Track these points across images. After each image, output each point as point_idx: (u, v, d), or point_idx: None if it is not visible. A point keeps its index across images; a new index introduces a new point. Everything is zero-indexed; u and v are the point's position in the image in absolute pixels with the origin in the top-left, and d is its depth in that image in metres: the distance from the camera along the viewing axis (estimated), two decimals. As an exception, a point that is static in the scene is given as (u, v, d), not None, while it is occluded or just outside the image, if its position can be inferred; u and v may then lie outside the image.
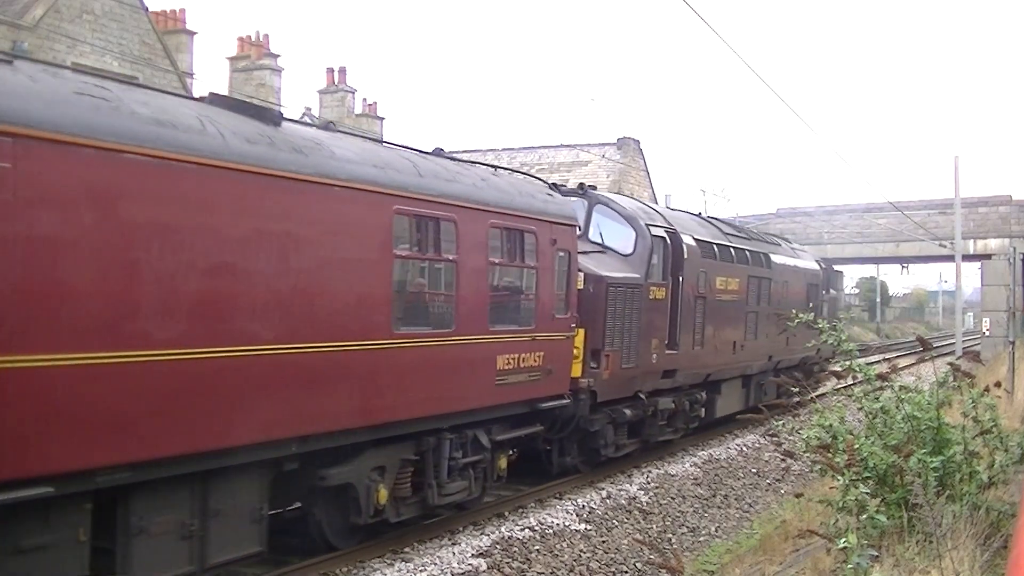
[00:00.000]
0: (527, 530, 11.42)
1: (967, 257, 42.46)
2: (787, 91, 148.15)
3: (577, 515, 12.39)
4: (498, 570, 10.12)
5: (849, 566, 5.94)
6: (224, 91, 33.94)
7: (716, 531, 13.77)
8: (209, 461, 7.73)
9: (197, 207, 7.37)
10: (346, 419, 8.98)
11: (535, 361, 11.89)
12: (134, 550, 7.26)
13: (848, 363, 9.17)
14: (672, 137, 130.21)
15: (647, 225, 15.03)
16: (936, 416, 8.32)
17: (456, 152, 14.69)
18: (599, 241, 14.75)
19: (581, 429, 13.65)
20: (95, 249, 6.63)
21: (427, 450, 10.44)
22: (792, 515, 12.48)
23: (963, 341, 35.30)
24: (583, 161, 48.14)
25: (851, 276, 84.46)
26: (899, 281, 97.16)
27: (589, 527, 12.10)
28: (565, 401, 12.75)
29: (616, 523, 12.60)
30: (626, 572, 11.20)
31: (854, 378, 9.41)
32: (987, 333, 38.88)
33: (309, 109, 37.33)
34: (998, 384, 10.28)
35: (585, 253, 13.75)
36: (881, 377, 9.02)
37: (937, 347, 33.04)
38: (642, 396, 15.00)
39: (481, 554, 10.36)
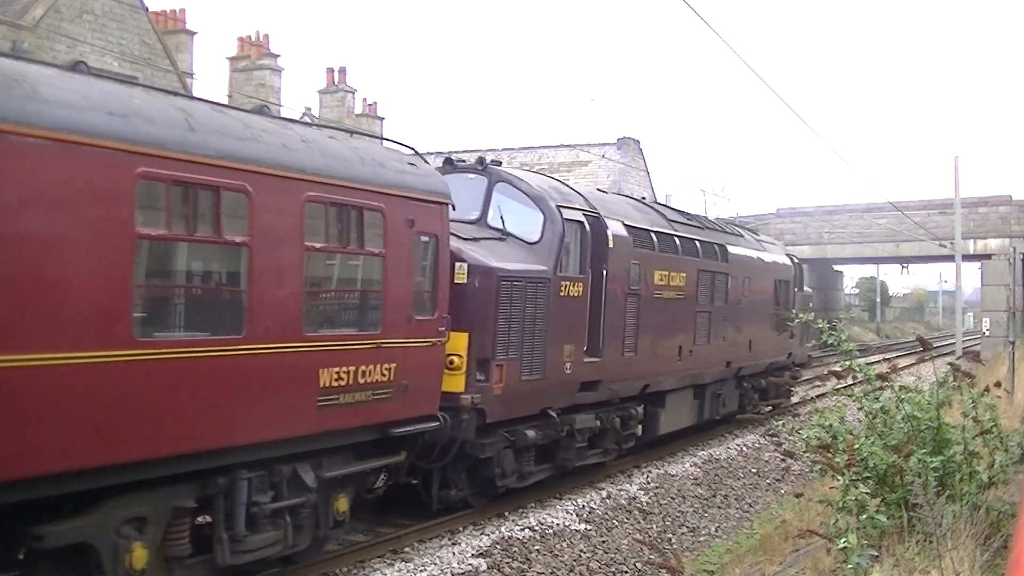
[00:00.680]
0: (527, 530, 11.43)
1: (967, 257, 42.46)
2: (787, 91, 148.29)
3: (577, 515, 12.39)
4: (498, 570, 10.13)
5: (849, 566, 5.94)
6: (225, 91, 34.06)
7: (716, 531, 13.77)
8: None
9: None
10: (73, 457, 6.68)
11: (382, 375, 9.36)
12: None
13: (848, 363, 9.17)
14: (672, 137, 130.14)
15: (559, 207, 12.52)
16: (936, 416, 8.33)
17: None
18: (499, 227, 12.28)
19: (468, 456, 11.22)
20: None
21: (215, 494, 8.03)
22: (792, 515, 12.48)
23: (963, 341, 35.28)
24: (583, 161, 48.15)
25: (851, 276, 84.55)
26: (899, 281, 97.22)
27: (589, 527, 12.11)
28: (433, 424, 10.25)
29: (616, 523, 12.61)
30: (626, 572, 11.20)
31: (854, 378, 9.41)
32: (987, 333, 38.87)
33: (309, 109, 37.33)
34: (998, 384, 10.30)
35: (475, 240, 11.60)
36: (881, 377, 9.03)
37: (937, 347, 33.11)
38: (552, 414, 12.31)
39: (481, 554, 10.36)
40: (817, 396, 12.17)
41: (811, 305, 24.55)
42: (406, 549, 10.39)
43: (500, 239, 12.13)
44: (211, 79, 39.95)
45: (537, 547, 11.02)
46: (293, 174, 8.35)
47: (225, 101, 33.16)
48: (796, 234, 54.42)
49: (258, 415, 8.10)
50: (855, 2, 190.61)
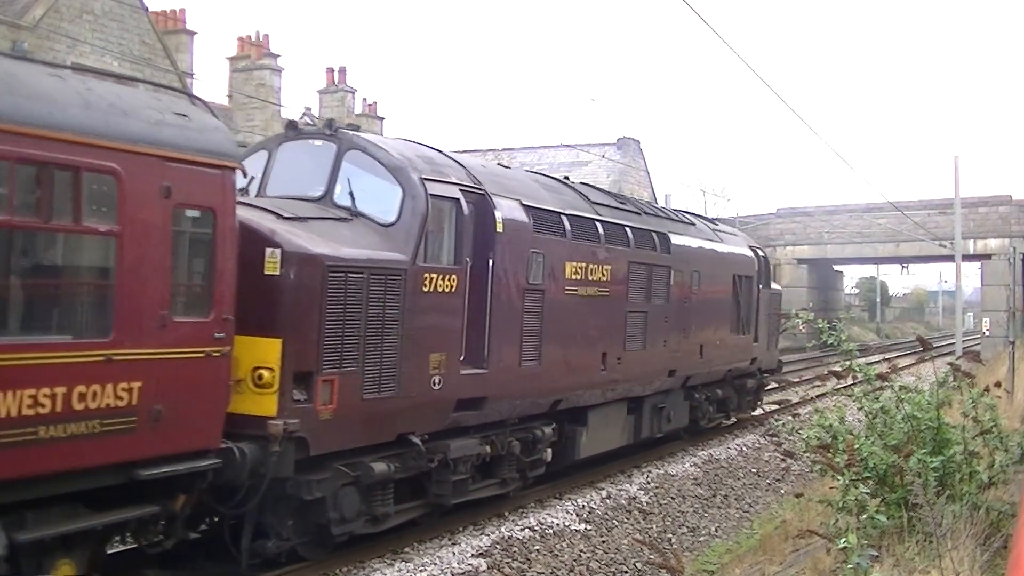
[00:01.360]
0: (527, 530, 11.43)
1: (967, 257, 42.51)
2: (787, 91, 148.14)
3: (577, 515, 12.39)
4: (498, 570, 10.13)
5: (849, 566, 5.94)
6: (225, 91, 34.08)
7: (716, 531, 13.77)
8: None
9: None
10: None
11: (118, 398, 7.00)
12: None
13: (848, 363, 9.18)
14: (672, 137, 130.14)
15: (424, 180, 10.02)
16: (936, 416, 8.34)
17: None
18: (348, 205, 9.87)
19: (290, 498, 8.77)
20: None
21: None
22: (792, 515, 12.48)
23: (963, 341, 35.29)
24: (583, 161, 48.22)
25: (851, 276, 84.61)
26: (899, 281, 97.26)
27: (589, 527, 12.11)
28: (209, 463, 7.77)
29: (616, 523, 12.61)
30: (626, 572, 11.20)
31: (854, 378, 9.42)
32: (987, 333, 38.91)
33: (309, 109, 37.33)
34: (998, 384, 10.32)
35: (299, 220, 9.09)
36: (881, 377, 9.05)
37: (937, 347, 33.11)
38: (415, 441, 9.84)
39: (481, 554, 10.36)
40: (817, 396, 12.10)
41: (777, 305, 22.30)
42: (406, 549, 10.38)
43: (344, 219, 9.64)
44: (211, 79, 40.01)
45: (537, 547, 11.02)
46: None
47: (225, 101, 33.32)
48: (796, 234, 54.51)
49: None
50: (855, 2, 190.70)
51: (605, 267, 13.34)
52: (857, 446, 8.00)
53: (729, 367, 18.77)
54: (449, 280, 10.25)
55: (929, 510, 6.77)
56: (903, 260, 60.11)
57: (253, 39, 35.11)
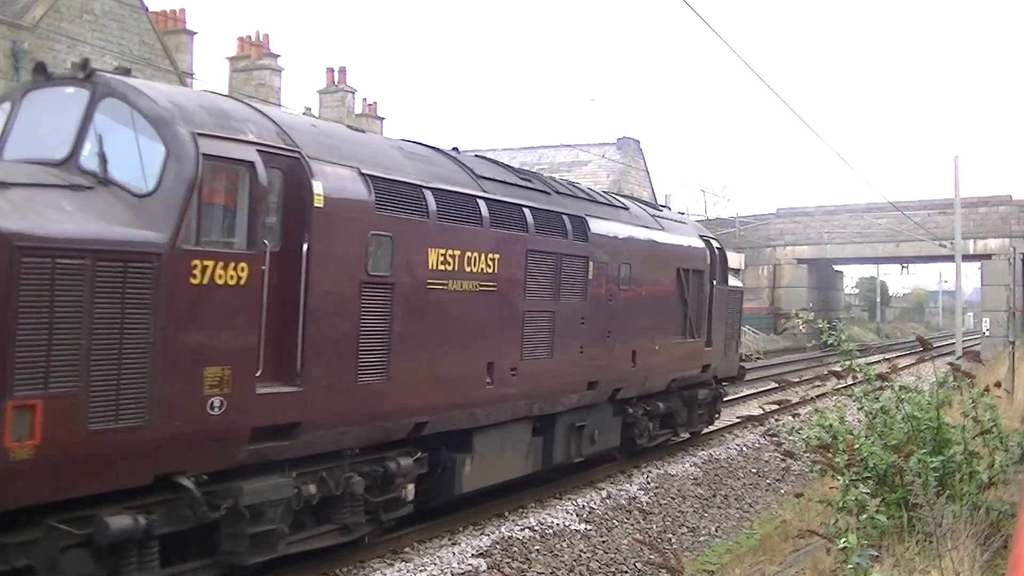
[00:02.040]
0: (527, 530, 11.43)
1: (967, 257, 42.54)
2: (787, 91, 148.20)
3: (577, 515, 12.40)
4: (498, 570, 10.13)
5: (849, 566, 5.94)
6: (225, 91, 34.05)
7: (716, 531, 13.77)
8: None
9: None
10: None
11: None
12: None
13: (848, 363, 9.19)
14: (672, 137, 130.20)
15: (198, 136, 7.55)
16: (936, 416, 8.35)
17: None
18: (96, 169, 7.43)
19: None
20: None
21: None
22: (792, 515, 12.48)
23: (963, 341, 35.30)
24: (583, 161, 48.27)
25: (851, 276, 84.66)
26: (899, 281, 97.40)
27: (589, 527, 12.12)
28: None
29: (616, 523, 12.61)
30: (626, 572, 11.20)
31: (854, 378, 9.42)
32: (987, 333, 38.93)
33: (309, 109, 37.34)
34: (998, 384, 10.31)
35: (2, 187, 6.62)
36: (881, 377, 9.05)
37: (937, 347, 33.10)
38: (187, 483, 7.39)
39: (481, 554, 10.36)
40: (817, 396, 12.08)
41: (737, 305, 19.47)
42: (406, 549, 10.39)
43: (82, 188, 7.24)
44: (211, 79, 40.04)
45: (537, 547, 11.03)
46: None
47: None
48: (796, 234, 54.57)
49: None
50: (855, 2, 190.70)
51: (491, 256, 10.72)
52: (857, 446, 8.00)
53: (674, 376, 16.01)
54: (236, 270, 7.72)
55: (929, 510, 6.77)
56: (903, 260, 60.18)
57: (253, 39, 35.12)
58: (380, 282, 9.10)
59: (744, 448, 18.43)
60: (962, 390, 8.74)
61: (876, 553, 6.63)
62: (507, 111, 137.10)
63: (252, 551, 7.97)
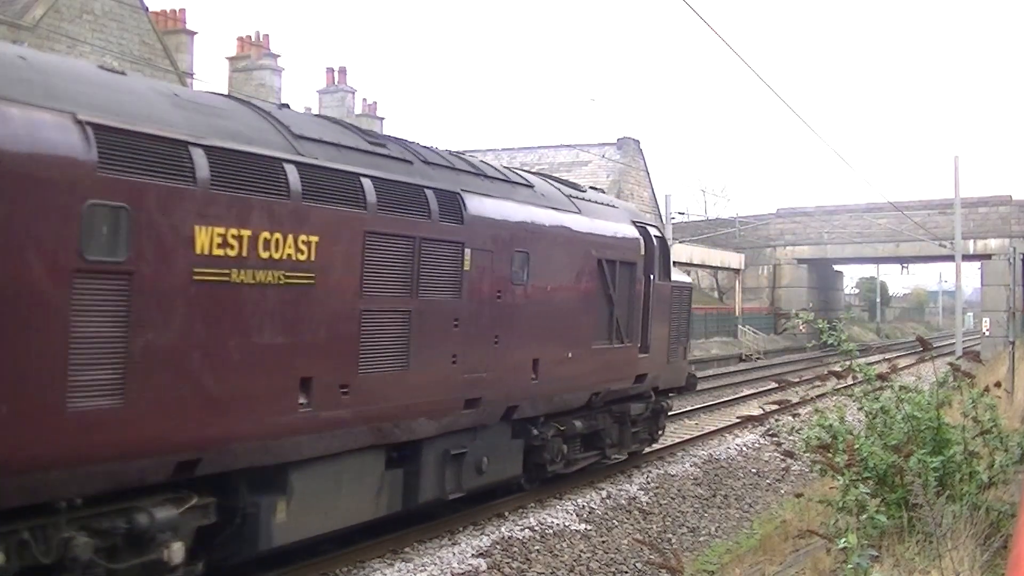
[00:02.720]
0: (527, 530, 11.43)
1: (967, 257, 42.56)
2: (787, 91, 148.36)
3: (577, 515, 12.40)
4: (498, 570, 10.13)
5: (849, 566, 5.94)
6: (225, 92, 34.05)
7: (716, 531, 13.77)
8: None
9: None
10: None
11: None
12: None
13: (848, 363, 9.19)
14: (672, 137, 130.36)
15: None
16: (936, 416, 8.34)
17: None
18: None
19: None
20: None
21: None
22: (792, 515, 12.47)
23: (963, 341, 35.31)
24: (583, 161, 48.27)
25: (851, 276, 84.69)
26: (899, 281, 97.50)
27: (589, 527, 12.11)
28: None
29: (616, 523, 12.61)
30: (626, 572, 11.20)
31: (854, 378, 9.42)
32: (987, 333, 38.97)
33: (309, 109, 37.37)
34: (998, 384, 10.29)
35: None
36: (881, 377, 9.04)
37: (937, 347, 33.09)
38: None
39: (481, 554, 10.36)
40: (817, 396, 12.07)
41: (684, 304, 16.68)
42: (406, 549, 10.39)
43: None
44: (211, 79, 40.09)
45: (537, 547, 11.03)
46: None
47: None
48: (796, 234, 54.61)
49: None
50: (855, 2, 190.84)
51: (306, 239, 8.06)
52: (857, 446, 8.00)
53: (596, 390, 13.23)
54: None
55: (929, 510, 6.77)
56: (903, 260, 60.21)
57: (253, 39, 35.15)
58: (107, 270, 6.52)
59: (744, 448, 18.43)
60: (962, 390, 8.74)
61: (876, 553, 6.63)
62: (507, 111, 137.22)
63: None
